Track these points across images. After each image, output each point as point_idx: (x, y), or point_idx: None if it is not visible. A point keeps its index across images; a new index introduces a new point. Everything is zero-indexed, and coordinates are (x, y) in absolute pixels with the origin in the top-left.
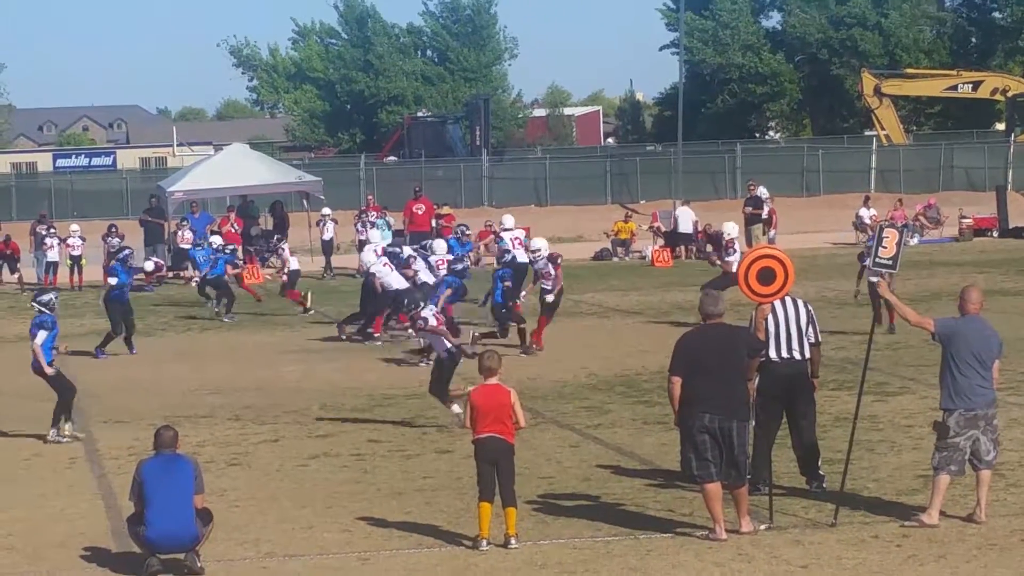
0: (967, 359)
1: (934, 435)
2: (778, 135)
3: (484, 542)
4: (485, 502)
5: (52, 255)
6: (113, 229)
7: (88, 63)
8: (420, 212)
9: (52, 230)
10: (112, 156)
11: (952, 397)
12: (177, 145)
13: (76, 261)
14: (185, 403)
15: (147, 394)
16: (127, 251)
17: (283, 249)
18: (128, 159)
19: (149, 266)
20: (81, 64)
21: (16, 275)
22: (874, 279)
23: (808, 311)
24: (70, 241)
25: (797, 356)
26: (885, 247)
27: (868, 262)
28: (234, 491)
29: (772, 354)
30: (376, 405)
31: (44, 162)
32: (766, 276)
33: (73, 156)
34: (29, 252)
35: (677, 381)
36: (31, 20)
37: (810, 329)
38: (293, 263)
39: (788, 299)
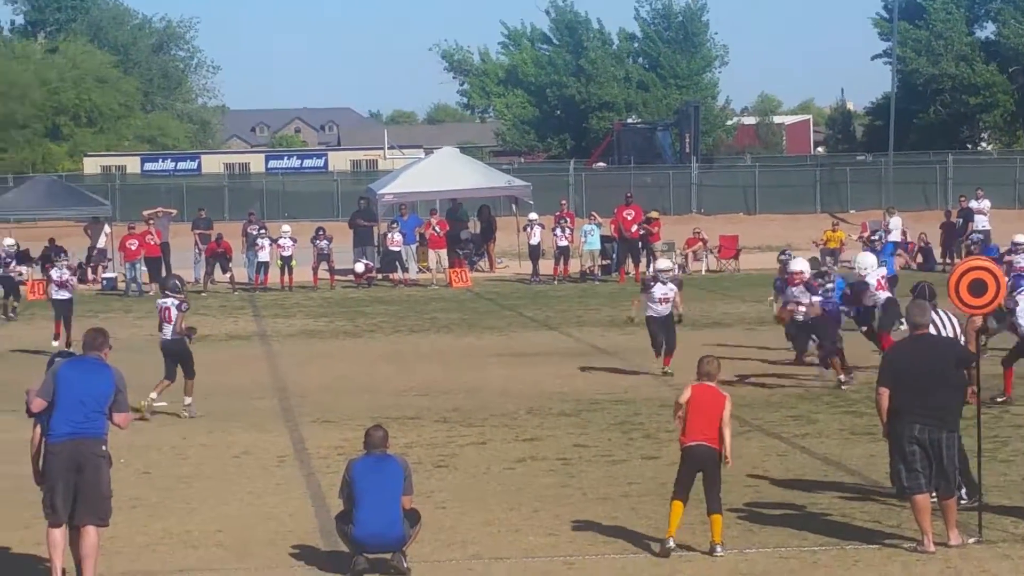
0: None
1: None
2: (991, 146)
3: (670, 541)
4: (677, 500)
5: (263, 255)
6: (321, 231)
7: (301, 66)
8: (629, 218)
9: (263, 231)
10: (324, 158)
11: None
12: (388, 148)
13: (287, 262)
14: (393, 404)
15: (356, 394)
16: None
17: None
18: (339, 161)
19: (359, 268)
20: (294, 67)
21: (228, 274)
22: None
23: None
24: (281, 242)
25: None
26: None
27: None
28: (441, 493)
29: None
30: (583, 410)
31: (256, 163)
32: (977, 288)
33: (285, 158)
34: (241, 252)
35: (885, 392)
36: (246, 23)
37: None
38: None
39: (941, 311)
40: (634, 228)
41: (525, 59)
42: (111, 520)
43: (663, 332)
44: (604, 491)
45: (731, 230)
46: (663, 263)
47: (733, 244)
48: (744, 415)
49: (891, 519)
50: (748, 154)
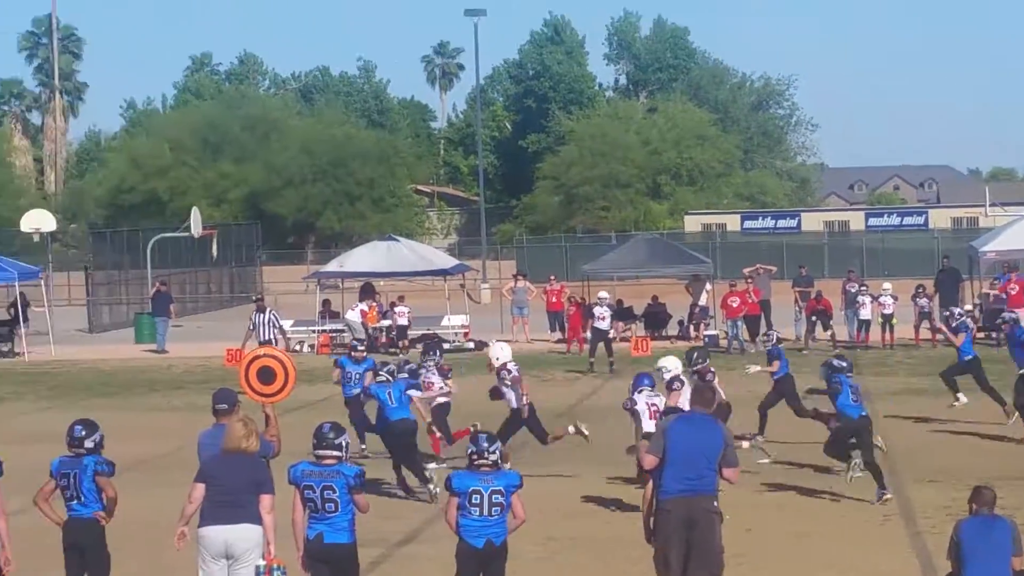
0: None
1: None
2: None
3: None
4: None
5: (864, 313)
6: (920, 289)
7: (900, 124)
8: None
9: (863, 288)
10: (924, 215)
11: None
12: (989, 205)
13: (888, 320)
14: (1005, 464)
15: (962, 453)
16: None
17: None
18: (939, 219)
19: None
20: (893, 124)
21: (829, 332)
22: None
23: None
24: (881, 300)
25: None
26: None
27: None
28: None
29: None
30: None
31: (856, 221)
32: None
33: (885, 215)
34: (840, 310)
35: None
36: (843, 79)
37: None
38: None
39: None
40: None
41: None
42: None
43: None
44: None
45: None
46: (667, 361)
47: None
48: None
49: None
50: None
